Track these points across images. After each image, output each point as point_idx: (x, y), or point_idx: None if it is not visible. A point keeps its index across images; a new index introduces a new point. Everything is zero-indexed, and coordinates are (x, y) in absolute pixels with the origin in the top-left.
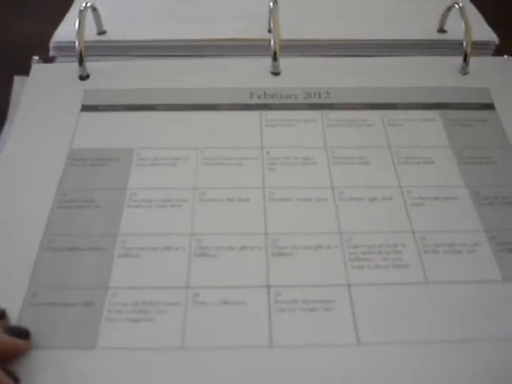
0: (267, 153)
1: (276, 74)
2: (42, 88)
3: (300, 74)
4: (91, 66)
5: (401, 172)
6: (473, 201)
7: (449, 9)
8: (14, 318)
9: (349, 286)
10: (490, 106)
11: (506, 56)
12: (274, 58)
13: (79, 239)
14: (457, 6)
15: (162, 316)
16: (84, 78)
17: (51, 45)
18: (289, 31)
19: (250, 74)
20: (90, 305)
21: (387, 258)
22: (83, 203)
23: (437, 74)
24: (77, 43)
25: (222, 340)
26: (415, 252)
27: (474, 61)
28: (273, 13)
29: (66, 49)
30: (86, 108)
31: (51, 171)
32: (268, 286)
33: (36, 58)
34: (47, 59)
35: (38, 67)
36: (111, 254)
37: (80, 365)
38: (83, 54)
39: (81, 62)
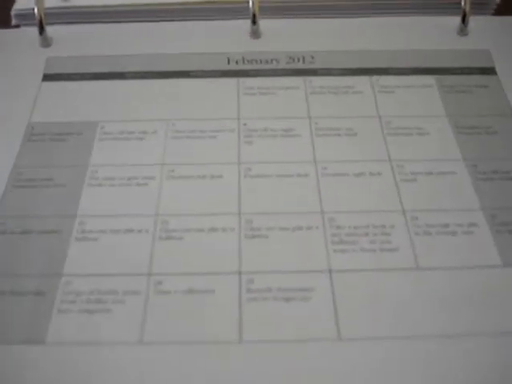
0: (244, 124)
1: (256, 37)
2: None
3: (282, 36)
4: (54, 31)
5: (391, 144)
6: (470, 176)
7: None
8: None
9: (330, 271)
10: (490, 71)
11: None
12: (253, 22)
13: (33, 221)
14: None
15: (120, 306)
16: (46, 45)
17: (13, 13)
18: None
19: (227, 37)
20: (41, 294)
21: (374, 241)
22: (40, 182)
23: (432, 36)
24: (36, 10)
25: (186, 334)
26: (405, 234)
27: (473, 21)
28: None
29: (29, 17)
30: (48, 77)
31: (6, 148)
32: (239, 273)
33: None
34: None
35: None
36: (67, 237)
37: (27, 361)
38: (43, 21)
39: (41, 30)
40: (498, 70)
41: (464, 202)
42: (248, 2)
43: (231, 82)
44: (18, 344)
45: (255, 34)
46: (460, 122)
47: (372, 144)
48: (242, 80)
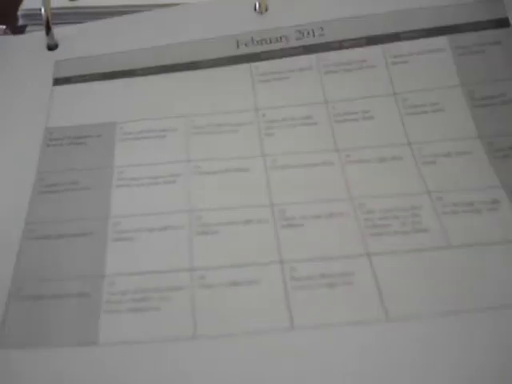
0: (263, 115)
1: (262, 11)
2: (6, 63)
3: (289, 8)
4: (59, 32)
5: (408, 126)
6: (487, 154)
7: None
8: None
9: (368, 255)
10: (503, 23)
11: None
12: None
13: (66, 225)
14: None
15: (167, 303)
16: (53, 47)
17: (20, 13)
18: None
19: (233, 16)
20: (86, 296)
21: (405, 223)
22: (66, 186)
23: None
24: (43, 10)
25: (238, 325)
26: (433, 214)
27: None
28: None
29: (36, 17)
30: (58, 81)
31: (27, 155)
32: (281, 262)
33: (3, 27)
34: (17, 28)
35: (1, 39)
36: (103, 238)
37: (81, 363)
38: (50, 21)
39: (48, 30)
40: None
41: (484, 181)
42: None
43: (244, 68)
44: (71, 346)
45: (261, 8)
46: (475, 93)
47: (390, 127)
48: (254, 65)
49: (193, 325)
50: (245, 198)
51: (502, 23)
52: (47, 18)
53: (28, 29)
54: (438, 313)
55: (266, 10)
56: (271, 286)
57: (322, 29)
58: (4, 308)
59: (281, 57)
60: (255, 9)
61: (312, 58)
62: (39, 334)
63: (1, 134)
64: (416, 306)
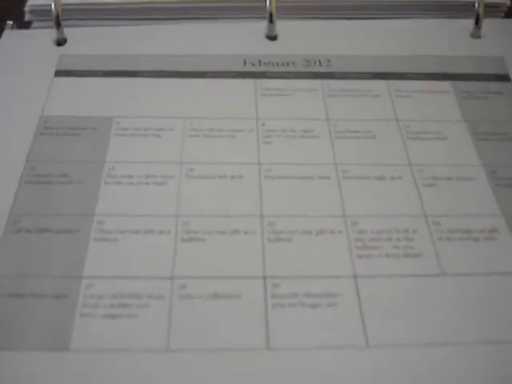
0: (262, 124)
1: (272, 38)
2: (13, 54)
3: (298, 39)
4: (69, 31)
5: (410, 148)
6: (489, 181)
7: None
8: None
9: (355, 277)
10: (505, 78)
11: None
12: (270, 20)
13: (49, 220)
14: None
15: (145, 311)
16: (61, 42)
17: (26, 9)
18: None
19: (243, 38)
20: (62, 297)
21: (398, 246)
22: (55, 178)
23: (446, 39)
24: (53, 6)
25: (213, 340)
26: (428, 239)
27: (485, 23)
28: None
29: (43, 13)
30: (60, 73)
31: (18, 141)
32: (264, 277)
33: (10, 23)
34: (23, 24)
35: (9, 33)
36: (86, 237)
37: (51, 369)
38: (60, 16)
39: (58, 25)
40: None
41: (484, 208)
42: (265, 1)
43: (248, 82)
44: (41, 350)
45: (271, 34)
46: (478, 128)
47: (391, 147)
48: (258, 81)
49: (167, 336)
50: (235, 206)
51: (503, 78)
52: (57, 13)
53: (33, 25)
54: (422, 343)
55: (276, 38)
56: (251, 301)
57: (329, 61)
58: None
59: (286, 78)
60: (266, 35)
61: (317, 83)
62: (10, 336)
63: None
64: (399, 334)
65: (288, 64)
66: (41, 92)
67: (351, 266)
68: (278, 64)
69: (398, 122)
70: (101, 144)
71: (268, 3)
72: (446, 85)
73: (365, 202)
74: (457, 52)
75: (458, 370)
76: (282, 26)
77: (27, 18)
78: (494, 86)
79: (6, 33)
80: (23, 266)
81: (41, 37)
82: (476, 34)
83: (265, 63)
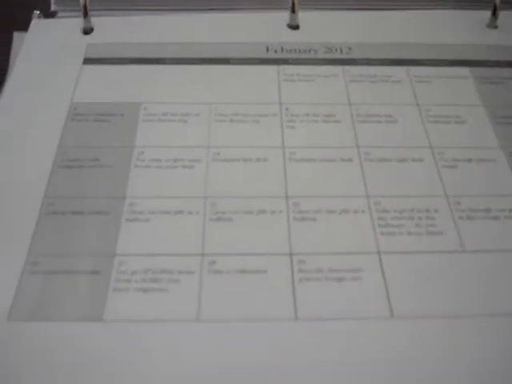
0: (286, 109)
1: (294, 27)
2: (41, 43)
3: (320, 28)
4: (95, 20)
5: (431, 132)
6: (509, 163)
7: None
8: (12, 287)
9: (379, 253)
10: None
11: None
12: (293, 10)
13: (83, 202)
14: None
15: (176, 285)
16: (88, 31)
17: None
18: None
19: (266, 27)
20: (96, 273)
21: (419, 225)
22: (86, 162)
23: (463, 29)
24: None
25: (241, 312)
26: (449, 218)
27: (501, 15)
28: None
29: (68, 2)
30: (88, 61)
31: (50, 128)
32: (290, 254)
33: (37, 12)
34: (49, 14)
35: (37, 22)
36: (118, 218)
37: (85, 338)
38: (87, 5)
39: (85, 14)
40: None
41: (504, 188)
42: None
43: (271, 68)
44: (76, 321)
45: (294, 23)
46: (496, 112)
47: (412, 131)
48: (281, 67)
49: (198, 308)
50: (261, 187)
51: None
52: (85, 2)
53: (59, 15)
54: (444, 315)
55: (298, 27)
56: (278, 276)
57: (350, 48)
58: (18, 282)
59: (308, 64)
60: (288, 25)
61: (338, 69)
62: (49, 308)
63: (26, 106)
64: (423, 306)
65: (309, 51)
66: (70, 80)
67: (375, 242)
68: (299, 51)
69: (418, 107)
70: (129, 129)
71: None
72: (465, 71)
73: (387, 183)
74: (473, 41)
75: (479, 341)
76: (303, 16)
77: (53, 8)
78: (510, 72)
79: (34, 22)
80: (59, 245)
81: (68, 26)
82: (492, 25)
83: (287, 50)
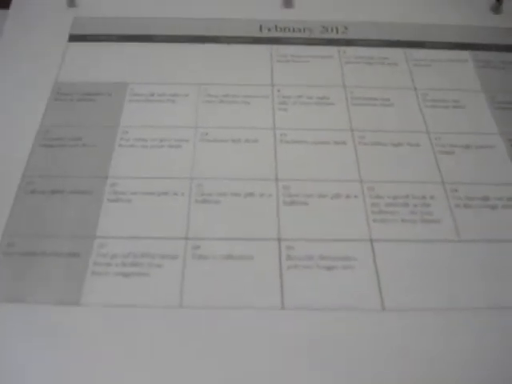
0: (278, 91)
1: (289, 5)
2: (25, 17)
3: (316, 6)
4: None
5: (428, 116)
6: (507, 150)
7: None
8: None
9: (371, 241)
10: None
11: None
12: None
13: (63, 181)
14: None
15: (158, 270)
16: (73, 3)
17: None
18: None
19: (260, 4)
20: (75, 255)
21: (414, 212)
22: (68, 142)
23: (466, 12)
24: None
25: (225, 299)
26: (446, 205)
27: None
28: None
29: None
30: (74, 38)
31: (32, 106)
32: (279, 239)
33: None
34: None
35: None
36: (99, 198)
37: (61, 322)
38: None
39: None
40: None
41: (503, 176)
42: None
43: (264, 48)
44: (52, 304)
45: (288, 1)
46: (496, 97)
47: (409, 115)
48: (275, 47)
49: (180, 294)
50: (250, 169)
51: None
52: None
53: None
54: (436, 308)
55: (293, 5)
56: (266, 263)
57: (346, 28)
58: None
59: (302, 44)
60: (283, 2)
61: (334, 50)
62: (24, 290)
63: (10, 85)
64: (414, 298)
65: (304, 30)
66: (55, 58)
67: (367, 229)
68: (294, 30)
69: (416, 91)
70: (115, 109)
71: None
72: (465, 54)
73: (381, 168)
74: (476, 23)
75: (471, 335)
76: None
77: None
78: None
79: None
80: (37, 225)
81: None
82: (497, 10)
83: (281, 29)
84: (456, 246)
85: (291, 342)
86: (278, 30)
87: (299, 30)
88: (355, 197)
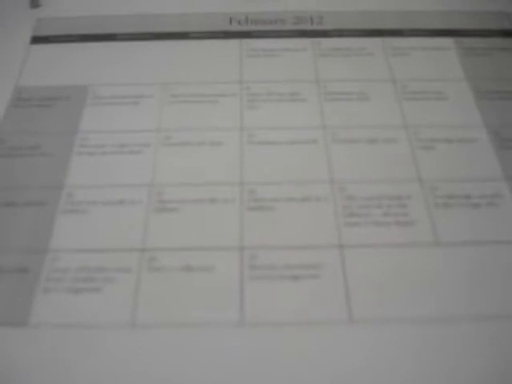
0: (247, 88)
1: None
2: None
3: None
4: None
5: (407, 109)
6: (492, 143)
7: None
8: None
9: (341, 247)
10: (510, 33)
11: None
12: None
13: (17, 193)
14: None
15: (110, 285)
16: (36, 3)
17: None
18: None
19: None
20: (24, 271)
21: (388, 213)
22: (26, 151)
23: None
24: None
25: (182, 315)
26: (423, 205)
27: None
28: None
29: None
30: (36, 40)
31: None
32: (241, 248)
33: None
34: None
35: None
36: (53, 209)
37: (7, 344)
38: None
39: None
40: None
41: (486, 172)
42: None
43: (233, 43)
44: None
45: None
46: (481, 87)
47: (386, 109)
48: (245, 41)
49: (133, 311)
50: (213, 173)
51: (508, 34)
52: None
53: None
54: (410, 320)
55: None
56: (226, 274)
57: (321, 17)
58: None
59: (274, 37)
60: None
61: (307, 42)
62: None
63: None
64: (385, 309)
65: (277, 22)
66: (16, 61)
67: (337, 235)
68: (265, 22)
69: (394, 83)
70: (74, 114)
71: None
72: (448, 41)
73: (354, 167)
74: (460, 7)
75: (449, 348)
76: None
77: None
78: (498, 41)
79: None
80: None
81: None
82: None
83: (252, 21)
84: (434, 249)
85: (251, 360)
86: (249, 22)
87: (271, 22)
88: (325, 199)
